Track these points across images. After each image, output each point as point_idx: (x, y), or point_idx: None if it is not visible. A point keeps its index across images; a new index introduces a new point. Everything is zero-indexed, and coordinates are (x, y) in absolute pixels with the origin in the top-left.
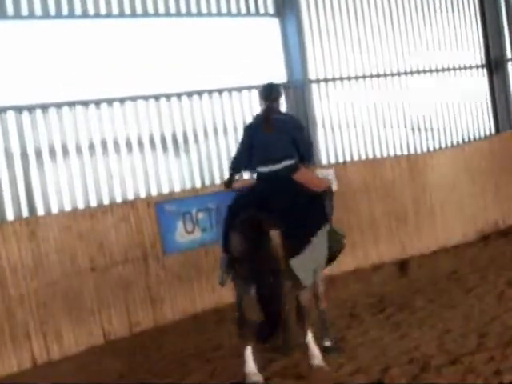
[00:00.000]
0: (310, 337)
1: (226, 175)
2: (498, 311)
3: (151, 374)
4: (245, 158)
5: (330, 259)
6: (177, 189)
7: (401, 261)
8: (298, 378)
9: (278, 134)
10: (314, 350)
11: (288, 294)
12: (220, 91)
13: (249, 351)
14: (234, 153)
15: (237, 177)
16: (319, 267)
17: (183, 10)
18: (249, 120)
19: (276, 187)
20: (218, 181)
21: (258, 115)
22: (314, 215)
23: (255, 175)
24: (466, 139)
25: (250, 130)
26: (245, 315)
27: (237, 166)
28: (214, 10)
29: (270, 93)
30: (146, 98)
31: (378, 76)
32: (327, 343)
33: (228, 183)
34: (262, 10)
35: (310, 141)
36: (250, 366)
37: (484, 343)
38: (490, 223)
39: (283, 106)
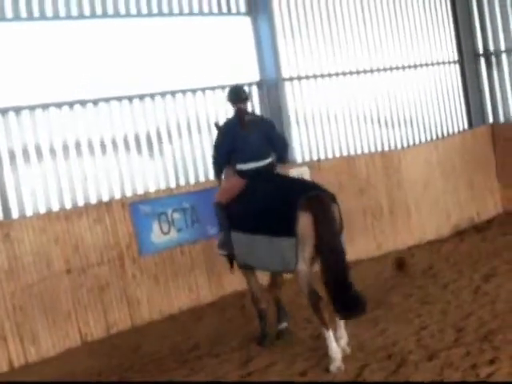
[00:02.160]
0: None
1: (208, 174)
2: (474, 306)
3: (129, 373)
4: (226, 157)
5: None
6: (152, 189)
7: (397, 259)
8: (277, 375)
9: (256, 134)
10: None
11: None
12: (193, 91)
13: (331, 333)
14: (212, 152)
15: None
16: None
17: (155, 10)
18: (222, 120)
19: (271, 180)
20: (192, 180)
21: (231, 118)
22: None
23: (239, 171)
24: (440, 135)
25: (228, 131)
26: (319, 298)
27: (222, 163)
28: (185, 9)
29: (239, 95)
30: (119, 99)
31: (351, 73)
32: (284, 325)
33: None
34: (233, 9)
35: (284, 138)
36: (334, 348)
37: (461, 338)
38: (464, 219)
39: (257, 105)
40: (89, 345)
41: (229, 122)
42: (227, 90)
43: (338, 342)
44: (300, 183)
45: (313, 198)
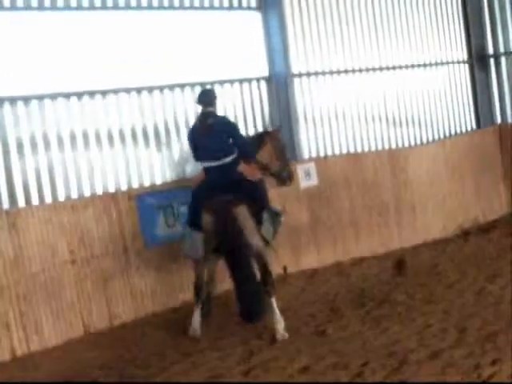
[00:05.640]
0: (274, 300)
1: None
2: (478, 307)
3: (132, 365)
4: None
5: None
6: (158, 182)
7: (397, 260)
8: (279, 371)
9: (216, 135)
10: (278, 315)
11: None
12: (202, 84)
13: (198, 312)
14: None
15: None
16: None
17: (166, 3)
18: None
19: (223, 177)
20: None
21: (195, 120)
22: (259, 197)
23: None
24: (448, 134)
25: (191, 133)
26: (201, 283)
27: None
28: (196, 3)
29: (203, 98)
30: (127, 90)
31: (360, 71)
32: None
33: None
34: (244, 4)
35: (244, 139)
36: (196, 322)
37: (463, 338)
38: (470, 219)
39: (265, 100)
40: (92, 336)
41: (193, 124)
42: (201, 89)
43: (275, 326)
44: (222, 186)
45: (215, 202)
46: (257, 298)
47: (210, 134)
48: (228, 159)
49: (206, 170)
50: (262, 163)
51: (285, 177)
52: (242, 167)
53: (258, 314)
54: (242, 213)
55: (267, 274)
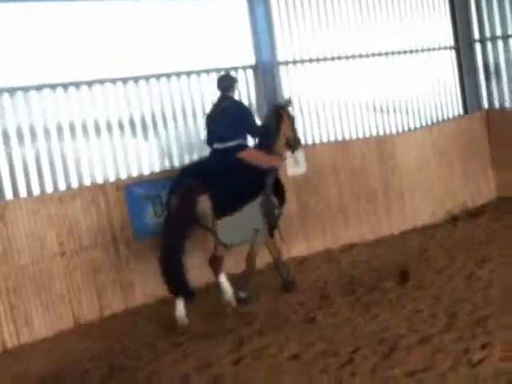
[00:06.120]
0: (222, 277)
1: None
2: (467, 292)
3: (123, 356)
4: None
5: (272, 227)
6: (146, 172)
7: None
8: (269, 359)
9: (226, 118)
10: (227, 287)
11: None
12: (188, 73)
13: (180, 300)
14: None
15: None
16: (253, 232)
17: None
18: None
19: (217, 161)
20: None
21: (214, 103)
22: (249, 187)
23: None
24: (435, 120)
25: (207, 116)
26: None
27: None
28: None
29: (221, 83)
30: (113, 80)
31: (347, 58)
32: (242, 295)
33: None
34: None
35: (257, 127)
36: (180, 311)
37: (453, 323)
38: (458, 204)
39: (252, 88)
40: (82, 327)
41: (210, 108)
42: (220, 74)
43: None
44: (200, 172)
45: (183, 185)
46: (181, 276)
47: (221, 116)
48: (230, 143)
49: (212, 151)
50: (281, 145)
51: (295, 144)
52: (245, 153)
53: (183, 290)
54: (204, 203)
55: (216, 256)
